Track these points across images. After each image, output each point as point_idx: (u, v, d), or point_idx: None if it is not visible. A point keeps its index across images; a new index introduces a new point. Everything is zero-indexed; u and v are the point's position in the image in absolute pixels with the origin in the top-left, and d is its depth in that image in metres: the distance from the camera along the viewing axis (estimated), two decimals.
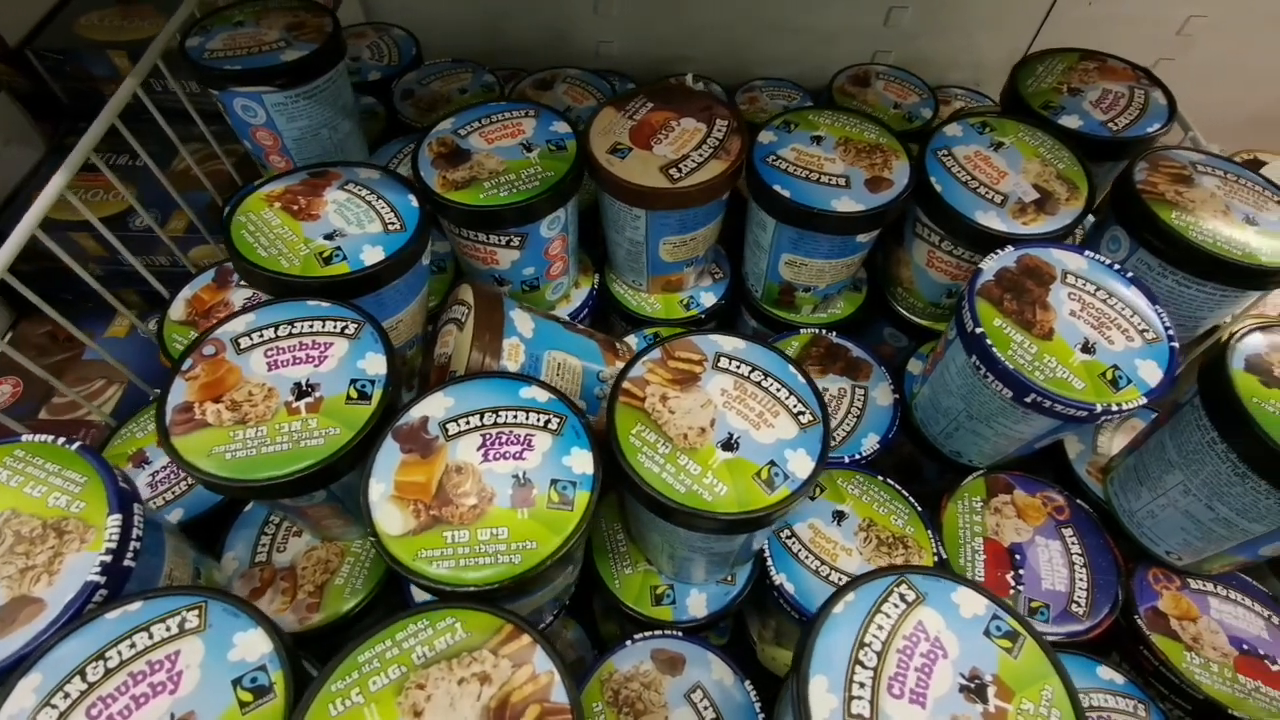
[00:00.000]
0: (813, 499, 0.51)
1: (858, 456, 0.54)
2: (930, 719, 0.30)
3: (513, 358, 0.48)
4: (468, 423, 0.38)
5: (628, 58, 1.02)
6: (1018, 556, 0.49)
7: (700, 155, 0.52)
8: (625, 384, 0.41)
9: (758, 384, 0.41)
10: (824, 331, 0.61)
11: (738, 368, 0.41)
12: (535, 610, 0.43)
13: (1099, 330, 0.44)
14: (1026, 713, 0.31)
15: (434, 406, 0.39)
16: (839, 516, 0.51)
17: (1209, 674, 0.45)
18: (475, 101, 0.57)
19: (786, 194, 0.51)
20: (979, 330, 0.44)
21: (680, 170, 0.51)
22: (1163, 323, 0.44)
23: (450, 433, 0.38)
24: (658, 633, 0.46)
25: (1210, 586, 0.49)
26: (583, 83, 0.80)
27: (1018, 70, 0.60)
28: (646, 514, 0.39)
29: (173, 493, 0.50)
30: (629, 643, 0.45)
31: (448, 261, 0.64)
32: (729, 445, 0.38)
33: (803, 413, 0.40)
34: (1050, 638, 0.46)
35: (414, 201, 0.48)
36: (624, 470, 0.37)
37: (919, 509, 0.51)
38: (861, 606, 0.33)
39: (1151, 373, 0.42)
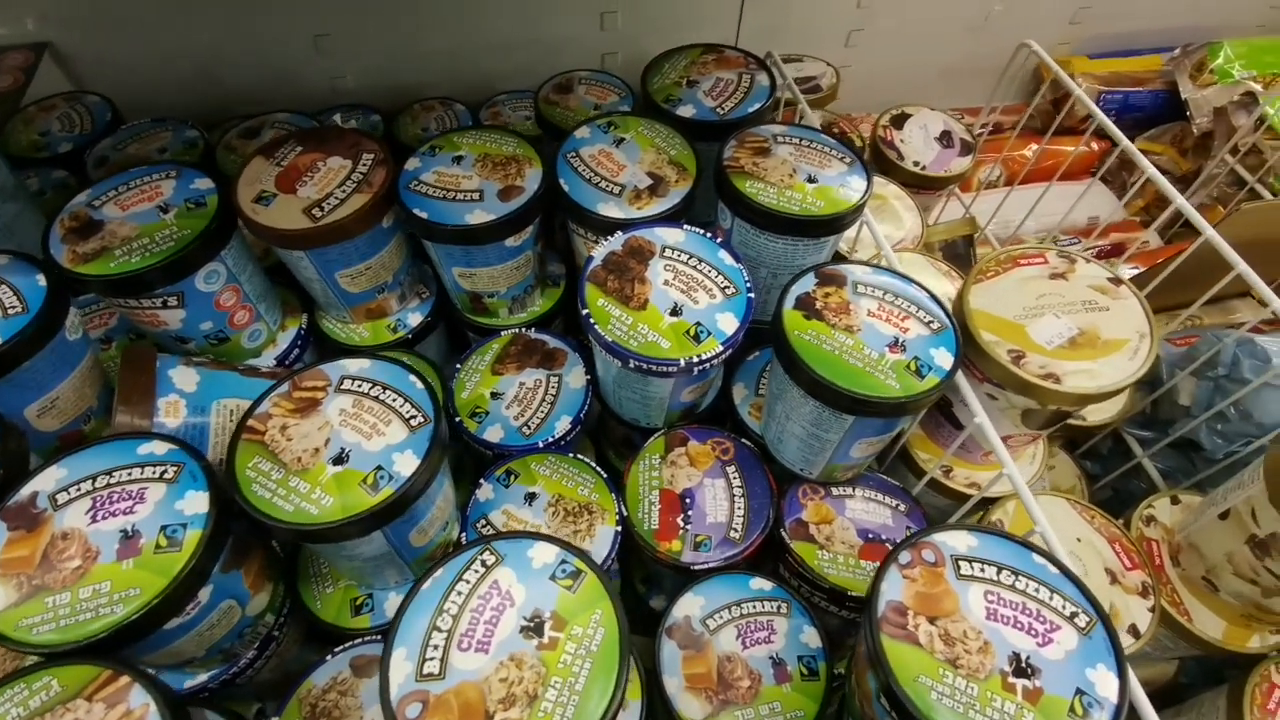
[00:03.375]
0: (506, 487, 0.56)
1: (551, 440, 0.59)
2: (492, 662, 0.35)
3: (172, 414, 0.49)
4: (78, 489, 0.40)
5: (365, 90, 1.03)
6: (688, 500, 0.56)
7: (343, 192, 0.55)
8: (249, 421, 0.44)
9: (376, 398, 0.45)
10: (524, 330, 0.66)
11: (359, 386, 0.45)
12: (213, 648, 0.45)
13: (687, 294, 0.50)
14: (576, 636, 0.36)
15: (44, 481, 0.40)
16: (530, 498, 0.55)
17: (835, 566, 0.53)
18: (124, 166, 0.57)
19: (424, 215, 0.55)
20: (585, 311, 0.49)
21: (322, 209, 0.54)
22: (743, 278, 0.52)
23: (59, 502, 0.39)
24: (355, 642, 0.49)
25: (849, 491, 0.58)
26: (291, 126, 0.81)
27: (647, 71, 0.67)
28: None
29: None
30: (329, 657, 0.48)
31: None
32: (339, 459, 0.42)
33: (414, 416, 0.44)
34: (712, 563, 0.53)
35: (41, 281, 0.49)
36: (237, 502, 0.40)
37: (605, 476, 0.57)
38: (446, 579, 0.38)
39: (729, 323, 0.49)
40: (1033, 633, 0.37)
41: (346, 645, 0.49)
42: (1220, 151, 0.97)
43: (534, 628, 0.36)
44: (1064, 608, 0.37)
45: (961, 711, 0.34)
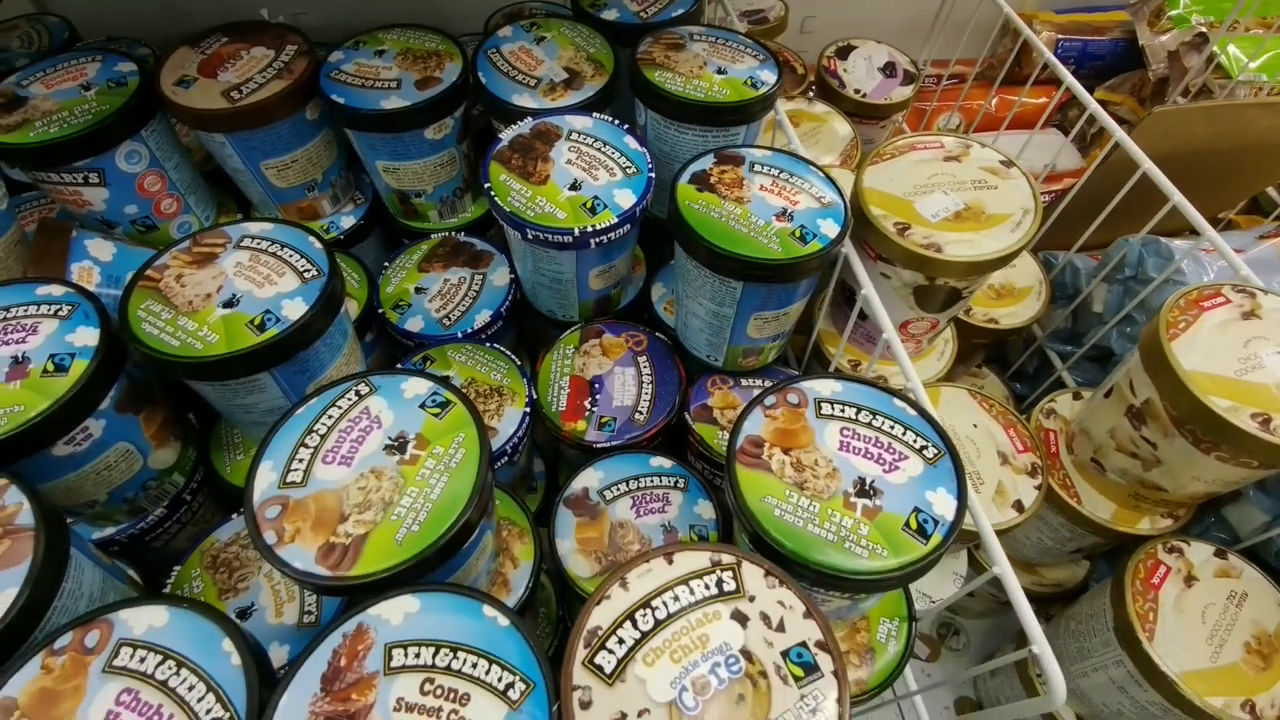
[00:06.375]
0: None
1: (470, 330, 0.60)
2: (353, 473, 0.36)
3: (84, 281, 0.51)
4: None
5: (327, 28, 1.04)
6: (596, 385, 0.57)
7: (263, 77, 0.56)
8: (147, 271, 0.45)
9: (273, 254, 0.46)
10: (453, 233, 0.67)
11: (257, 244, 0.46)
12: (114, 493, 0.46)
13: (588, 172, 0.52)
14: (436, 455, 0.37)
15: None
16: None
17: None
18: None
19: (341, 101, 0.56)
20: (486, 185, 0.51)
21: (241, 92, 0.55)
22: (645, 161, 0.53)
23: None
24: None
25: (758, 383, 0.59)
26: None
27: None
28: None
29: None
30: (234, 516, 0.50)
31: None
32: (230, 304, 0.43)
33: (308, 270, 0.45)
34: (615, 443, 0.54)
35: None
36: (126, 338, 0.42)
37: (519, 364, 0.58)
38: (319, 405, 0.39)
39: (626, 199, 0.51)
40: (880, 461, 0.38)
41: None
42: (1173, 94, 0.98)
43: (397, 446, 0.37)
44: (915, 442, 0.39)
45: (800, 525, 0.36)
